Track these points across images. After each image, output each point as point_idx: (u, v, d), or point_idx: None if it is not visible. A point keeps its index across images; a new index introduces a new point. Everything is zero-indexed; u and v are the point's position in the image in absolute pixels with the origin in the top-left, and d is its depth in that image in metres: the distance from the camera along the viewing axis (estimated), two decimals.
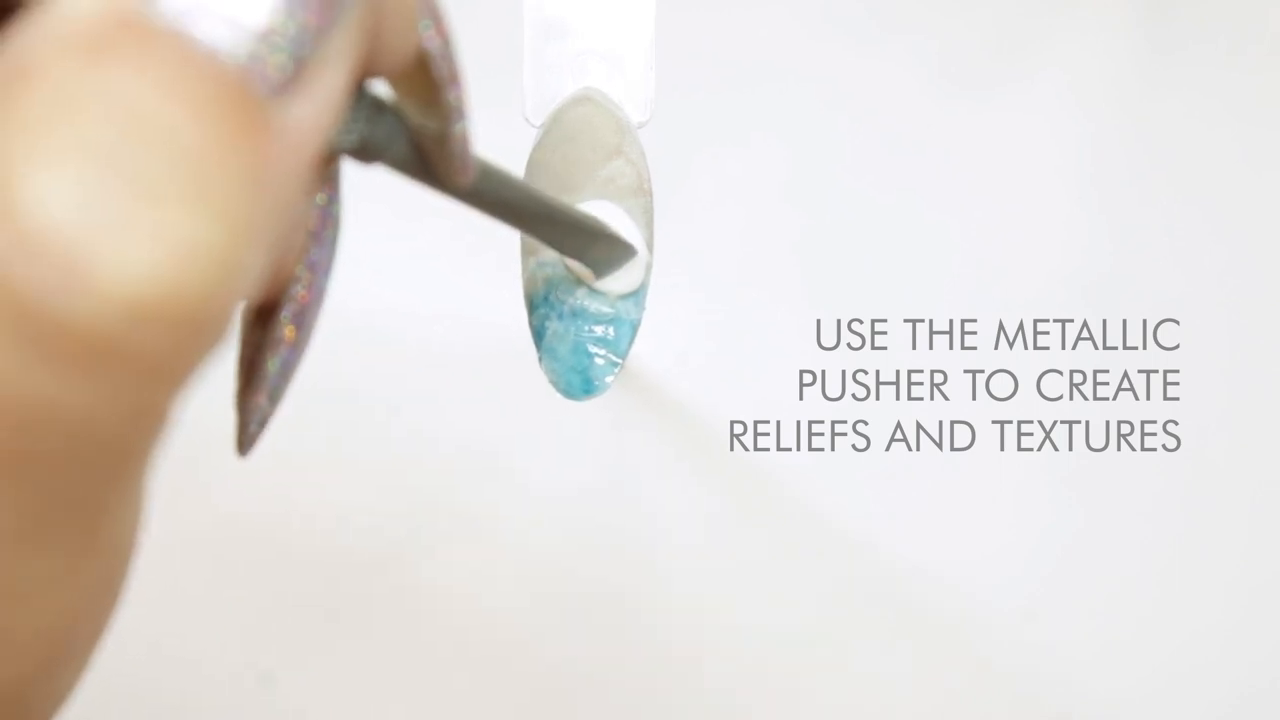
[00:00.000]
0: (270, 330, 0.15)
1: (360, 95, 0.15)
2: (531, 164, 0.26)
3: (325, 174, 0.15)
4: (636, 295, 0.26)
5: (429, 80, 0.15)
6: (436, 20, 0.15)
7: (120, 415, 0.10)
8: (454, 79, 0.15)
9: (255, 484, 0.39)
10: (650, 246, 0.27)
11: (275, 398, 0.16)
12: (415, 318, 0.40)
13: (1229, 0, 0.43)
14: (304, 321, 0.15)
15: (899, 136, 0.42)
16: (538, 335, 0.26)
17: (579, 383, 0.26)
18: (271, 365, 0.15)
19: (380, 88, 0.16)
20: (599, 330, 0.26)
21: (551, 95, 0.27)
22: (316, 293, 0.15)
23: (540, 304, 0.26)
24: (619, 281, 0.26)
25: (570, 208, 0.23)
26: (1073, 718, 0.40)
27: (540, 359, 0.26)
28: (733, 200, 0.42)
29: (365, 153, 0.16)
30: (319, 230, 0.15)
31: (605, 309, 0.26)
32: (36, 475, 0.10)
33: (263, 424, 0.16)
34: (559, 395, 0.27)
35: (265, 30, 0.11)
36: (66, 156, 0.09)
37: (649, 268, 0.27)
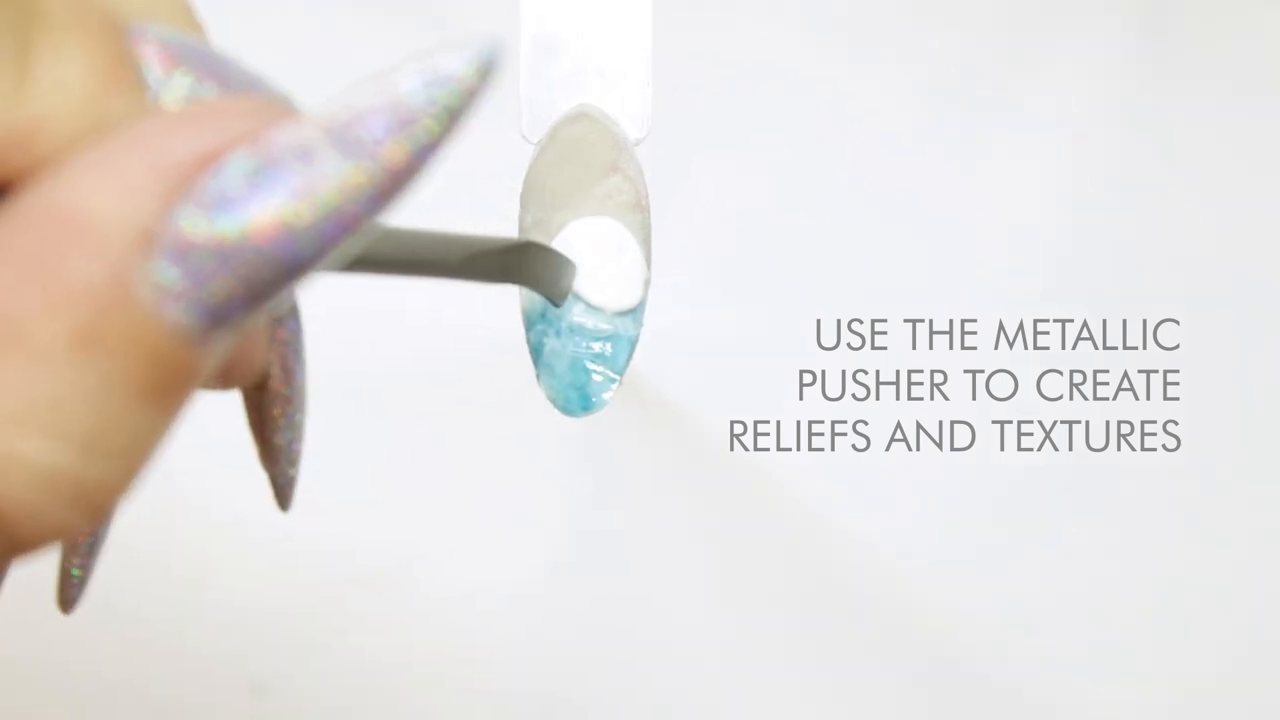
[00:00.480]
0: (265, 408, 0.17)
1: None
2: (528, 181, 0.26)
3: None
4: (635, 312, 0.26)
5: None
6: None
7: None
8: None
9: (255, 493, 0.39)
10: (649, 263, 0.26)
11: (294, 460, 0.17)
12: (414, 327, 0.40)
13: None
14: (289, 406, 0.17)
15: (899, 137, 0.42)
16: (535, 352, 0.26)
17: (577, 399, 0.26)
18: (279, 439, 0.17)
19: None
20: (597, 347, 0.26)
21: (548, 112, 0.27)
22: (291, 372, 0.17)
23: (537, 320, 0.26)
24: (618, 298, 0.26)
25: (475, 239, 0.21)
26: (1071, 715, 0.40)
27: (538, 375, 0.26)
28: (733, 200, 0.42)
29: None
30: (285, 319, 0.17)
31: (603, 325, 0.26)
32: None
33: (292, 482, 0.18)
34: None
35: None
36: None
37: (647, 284, 0.26)
